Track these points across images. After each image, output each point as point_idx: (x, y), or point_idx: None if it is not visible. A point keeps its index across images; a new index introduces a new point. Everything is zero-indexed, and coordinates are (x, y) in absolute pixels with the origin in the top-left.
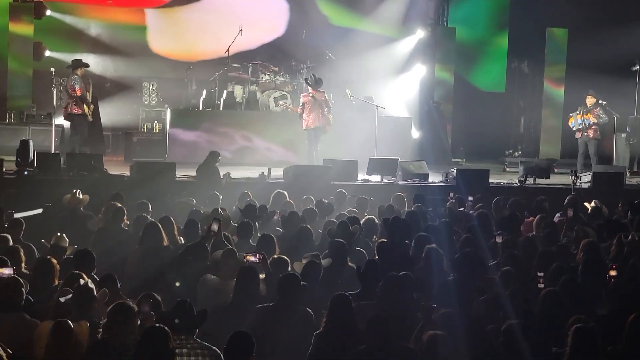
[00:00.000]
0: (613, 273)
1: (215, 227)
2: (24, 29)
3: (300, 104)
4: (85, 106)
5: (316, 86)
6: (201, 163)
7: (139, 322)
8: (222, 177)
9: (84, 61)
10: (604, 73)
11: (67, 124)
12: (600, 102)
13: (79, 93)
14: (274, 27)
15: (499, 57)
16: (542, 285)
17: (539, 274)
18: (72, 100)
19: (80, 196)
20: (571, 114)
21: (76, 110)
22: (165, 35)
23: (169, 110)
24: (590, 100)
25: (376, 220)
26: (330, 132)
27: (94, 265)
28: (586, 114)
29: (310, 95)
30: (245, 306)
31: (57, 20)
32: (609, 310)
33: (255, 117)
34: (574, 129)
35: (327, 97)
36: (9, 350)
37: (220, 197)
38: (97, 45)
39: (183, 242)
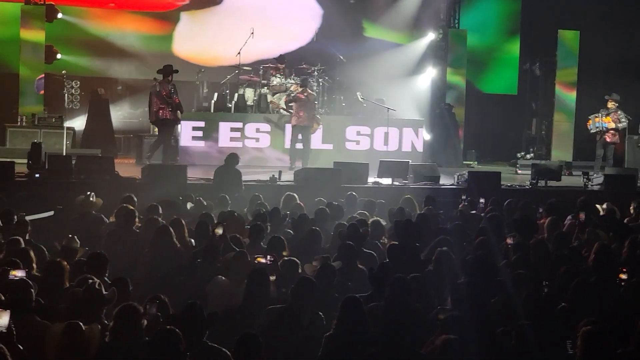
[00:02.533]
0: (623, 276)
1: (219, 231)
2: (35, 33)
3: (293, 97)
4: (178, 112)
5: (307, 85)
6: (220, 166)
7: (145, 324)
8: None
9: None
10: (615, 75)
11: (79, 127)
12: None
13: (177, 100)
14: (298, 35)
15: (511, 60)
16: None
17: (544, 282)
18: (166, 106)
19: (94, 199)
20: (590, 117)
21: (170, 116)
22: (187, 38)
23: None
24: (610, 104)
25: (382, 222)
26: (341, 135)
27: (107, 268)
28: (605, 118)
29: (305, 94)
30: (255, 308)
31: (69, 24)
32: (619, 313)
33: (266, 120)
34: (592, 131)
35: (316, 101)
36: (20, 346)
37: (230, 201)
38: (108, 49)
39: (194, 244)
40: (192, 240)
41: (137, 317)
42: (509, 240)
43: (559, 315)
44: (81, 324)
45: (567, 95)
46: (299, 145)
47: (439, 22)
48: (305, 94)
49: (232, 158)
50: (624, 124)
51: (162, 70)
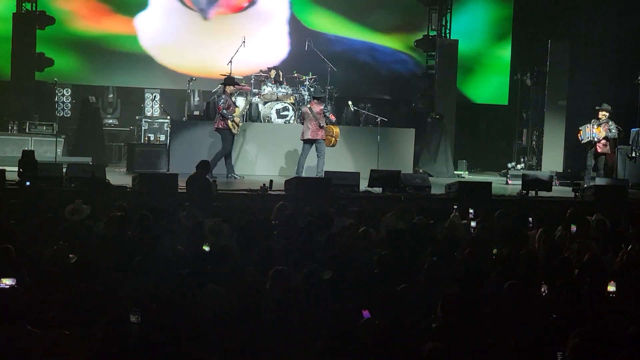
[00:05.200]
0: (611, 288)
1: (206, 248)
2: (27, 39)
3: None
4: (229, 122)
5: (315, 97)
6: (191, 174)
7: (134, 333)
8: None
9: (227, 79)
10: (606, 85)
11: (70, 135)
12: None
13: (220, 110)
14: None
15: (502, 70)
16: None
17: (542, 288)
18: (218, 116)
19: (83, 207)
20: (580, 127)
21: (221, 125)
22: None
23: (171, 122)
24: (601, 115)
25: (372, 232)
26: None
27: (97, 277)
28: (596, 128)
29: (308, 107)
30: (247, 318)
31: (61, 31)
32: (610, 324)
33: (257, 129)
34: (583, 142)
35: (323, 110)
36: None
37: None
38: (99, 56)
39: (186, 253)
40: (183, 249)
41: (125, 327)
42: (500, 252)
43: (549, 326)
44: (70, 333)
45: (557, 103)
46: (308, 159)
47: (430, 31)
48: (308, 107)
49: (203, 166)
50: (613, 133)
51: (223, 82)
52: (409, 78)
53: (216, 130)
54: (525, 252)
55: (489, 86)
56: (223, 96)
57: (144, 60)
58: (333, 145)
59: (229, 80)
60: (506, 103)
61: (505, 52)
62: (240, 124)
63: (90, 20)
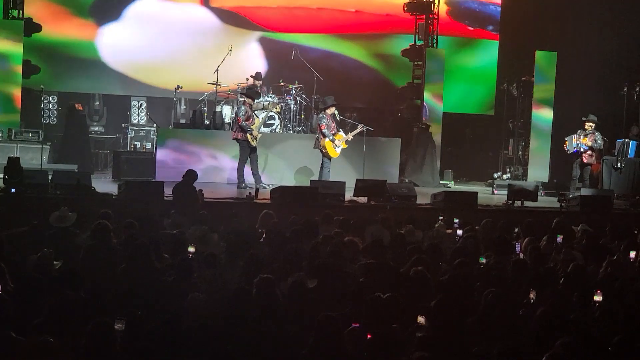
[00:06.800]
0: (598, 298)
1: (191, 249)
2: (13, 46)
3: None
4: (247, 135)
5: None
6: (177, 183)
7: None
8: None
9: (249, 92)
10: (592, 96)
11: (56, 142)
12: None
13: (240, 122)
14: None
15: (488, 80)
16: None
17: (531, 295)
18: (237, 127)
19: (68, 214)
20: (566, 138)
21: (240, 136)
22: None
23: (157, 130)
24: (587, 125)
25: (359, 241)
26: (317, 153)
27: (81, 285)
28: (582, 139)
29: None
30: (233, 327)
31: (48, 38)
32: (595, 332)
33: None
34: (569, 152)
35: (319, 122)
36: None
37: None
38: (86, 64)
39: (170, 261)
40: (168, 257)
41: (109, 333)
42: (485, 262)
43: (535, 335)
44: (55, 341)
45: (544, 116)
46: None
47: (417, 41)
48: None
49: (189, 175)
50: (599, 144)
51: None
52: (394, 87)
53: (234, 140)
54: (513, 261)
55: (476, 96)
56: (243, 107)
57: (131, 68)
58: (328, 158)
59: (251, 92)
60: (492, 113)
61: (492, 63)
62: (259, 136)
63: (74, 27)
